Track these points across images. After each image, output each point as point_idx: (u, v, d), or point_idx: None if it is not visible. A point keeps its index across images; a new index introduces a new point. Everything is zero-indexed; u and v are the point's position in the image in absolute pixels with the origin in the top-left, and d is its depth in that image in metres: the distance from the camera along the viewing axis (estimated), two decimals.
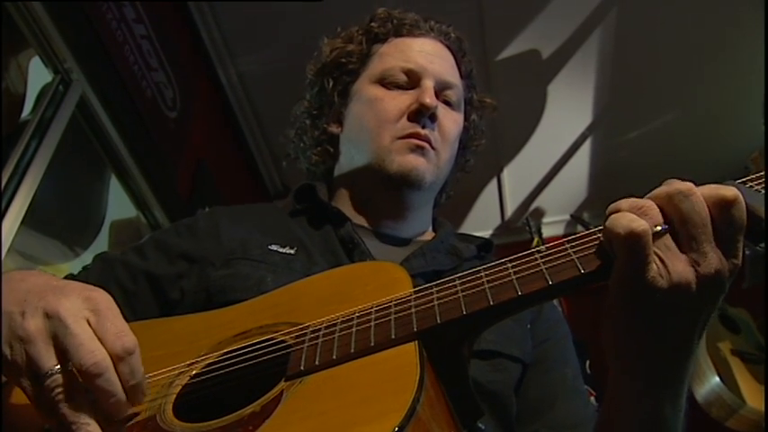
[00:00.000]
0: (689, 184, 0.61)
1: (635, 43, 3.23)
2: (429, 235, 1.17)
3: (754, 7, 2.97)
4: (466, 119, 1.20)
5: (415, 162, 1.05)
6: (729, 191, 0.59)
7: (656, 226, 0.60)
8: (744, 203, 0.59)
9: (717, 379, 2.85)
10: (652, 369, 0.66)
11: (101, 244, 2.31)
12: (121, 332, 0.65)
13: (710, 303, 0.62)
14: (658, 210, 0.61)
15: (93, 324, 0.64)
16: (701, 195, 0.60)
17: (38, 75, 2.04)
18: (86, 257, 2.18)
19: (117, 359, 0.63)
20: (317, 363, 0.66)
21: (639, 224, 0.58)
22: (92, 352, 0.61)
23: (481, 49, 3.17)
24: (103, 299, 0.67)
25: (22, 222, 1.76)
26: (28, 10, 1.92)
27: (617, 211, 0.62)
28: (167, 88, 2.74)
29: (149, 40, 2.64)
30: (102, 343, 0.63)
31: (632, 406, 0.69)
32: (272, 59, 3.18)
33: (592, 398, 2.96)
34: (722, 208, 0.59)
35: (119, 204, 2.45)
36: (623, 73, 3.36)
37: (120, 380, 0.64)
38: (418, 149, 1.05)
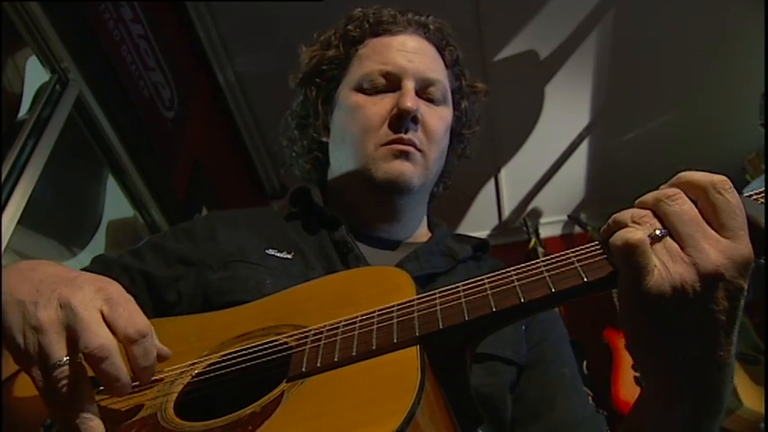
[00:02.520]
0: (674, 189, 0.61)
1: (632, 44, 3.24)
2: (425, 234, 1.17)
3: (752, 8, 2.98)
4: (456, 108, 1.18)
5: (400, 168, 1.04)
6: (717, 177, 0.60)
7: (654, 230, 0.60)
8: (733, 188, 0.59)
9: None
10: (677, 378, 0.63)
11: (98, 244, 2.31)
12: (133, 316, 0.66)
13: (725, 301, 0.59)
14: (655, 218, 0.61)
15: (106, 313, 0.65)
16: (686, 197, 0.60)
17: (35, 74, 2.04)
18: (83, 257, 2.18)
19: (130, 341, 0.65)
20: (318, 365, 0.66)
21: (635, 234, 0.59)
22: (96, 335, 0.62)
23: (479, 50, 3.17)
24: (116, 289, 0.68)
25: (19, 222, 1.76)
26: (25, 9, 1.91)
27: (618, 222, 0.62)
28: (165, 88, 2.73)
29: (147, 40, 2.64)
30: (114, 330, 0.65)
31: (658, 417, 0.67)
32: (270, 60, 3.18)
33: (589, 398, 2.97)
34: (712, 193, 0.59)
35: (116, 204, 2.44)
36: (621, 74, 3.37)
37: (134, 362, 0.65)
38: (403, 155, 1.04)
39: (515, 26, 3.18)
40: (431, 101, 1.11)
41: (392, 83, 1.08)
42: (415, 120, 1.06)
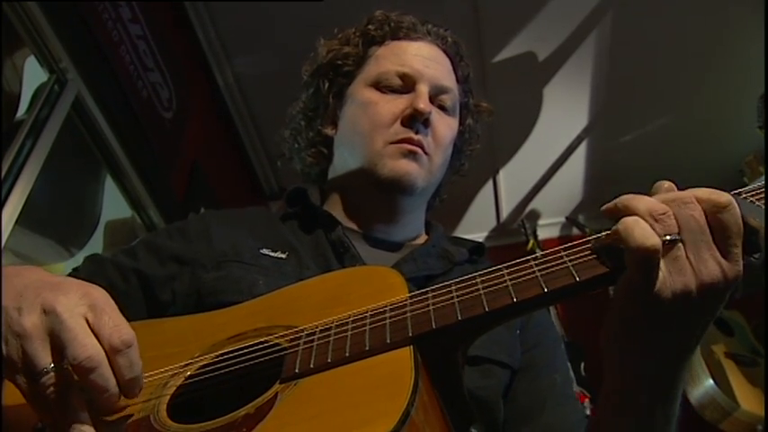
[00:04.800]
0: (687, 193, 0.61)
1: (631, 46, 3.24)
2: (422, 238, 1.17)
3: (751, 9, 2.98)
4: (461, 123, 1.20)
5: (407, 167, 1.04)
6: (722, 196, 0.60)
7: (666, 235, 0.59)
8: (738, 209, 0.60)
9: (711, 381, 2.86)
10: (650, 373, 0.66)
11: (95, 244, 2.30)
12: (119, 325, 0.65)
13: (710, 311, 0.62)
14: (674, 218, 0.60)
15: (90, 320, 0.64)
16: (698, 204, 0.60)
17: (33, 74, 2.04)
18: (81, 257, 2.16)
19: (114, 352, 0.63)
20: (311, 366, 0.66)
21: (654, 241, 0.58)
22: (84, 346, 0.61)
23: (477, 52, 3.17)
24: (101, 295, 0.67)
25: (17, 222, 1.76)
26: (24, 9, 1.91)
27: (632, 212, 0.61)
28: (163, 88, 2.73)
29: (145, 41, 2.64)
30: (98, 337, 0.63)
31: (626, 410, 0.70)
32: (269, 60, 3.18)
33: (586, 400, 2.97)
34: (716, 213, 0.60)
35: (114, 204, 2.44)
36: (619, 76, 3.37)
37: (118, 373, 0.63)
38: (411, 154, 1.05)
39: (514, 28, 3.18)
40: (442, 108, 1.12)
41: (407, 85, 1.09)
42: (426, 122, 1.07)
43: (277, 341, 0.74)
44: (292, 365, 0.67)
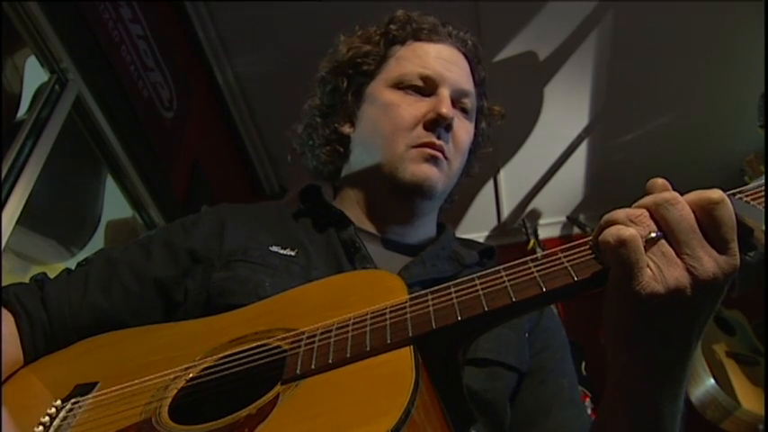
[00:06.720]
0: (673, 193, 0.62)
1: (631, 45, 3.24)
2: (433, 239, 1.17)
3: (754, 9, 2.98)
4: (476, 126, 1.20)
5: (428, 172, 1.04)
6: (714, 192, 0.61)
7: (650, 233, 0.61)
8: (730, 204, 0.61)
9: (712, 381, 2.85)
10: (651, 371, 0.67)
11: (96, 244, 2.31)
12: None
13: (709, 306, 0.63)
14: (651, 218, 0.63)
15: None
16: (685, 203, 0.61)
17: (34, 74, 2.04)
18: (82, 257, 2.17)
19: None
20: (312, 367, 0.66)
21: (627, 231, 0.60)
22: None
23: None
24: None
25: (18, 222, 1.76)
26: (24, 9, 1.91)
27: (611, 221, 0.63)
28: (164, 88, 2.73)
29: (146, 40, 2.64)
30: None
31: (630, 407, 0.70)
32: (269, 60, 3.18)
33: (587, 400, 2.97)
34: (709, 210, 0.60)
35: (114, 204, 2.44)
36: (620, 75, 3.37)
37: None
38: (432, 159, 1.05)
39: (515, 27, 3.18)
40: (464, 111, 1.12)
41: (429, 87, 1.09)
42: (448, 128, 1.06)
43: (278, 344, 0.74)
44: (294, 367, 0.67)
